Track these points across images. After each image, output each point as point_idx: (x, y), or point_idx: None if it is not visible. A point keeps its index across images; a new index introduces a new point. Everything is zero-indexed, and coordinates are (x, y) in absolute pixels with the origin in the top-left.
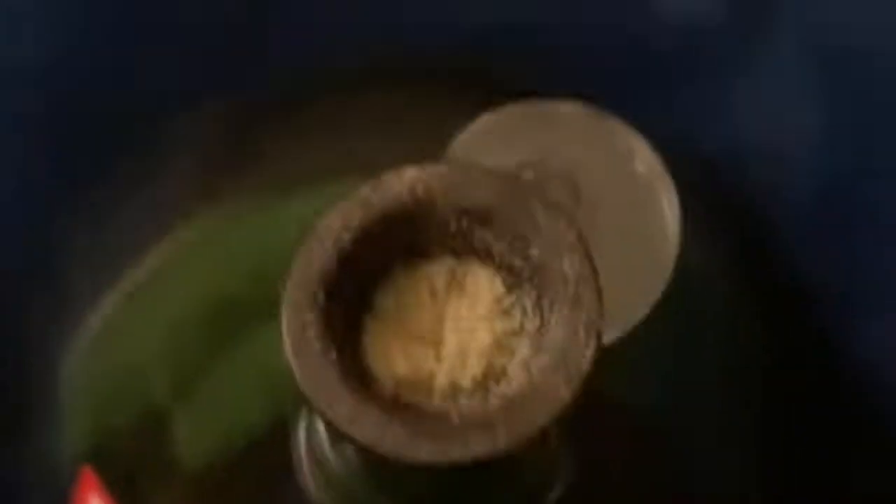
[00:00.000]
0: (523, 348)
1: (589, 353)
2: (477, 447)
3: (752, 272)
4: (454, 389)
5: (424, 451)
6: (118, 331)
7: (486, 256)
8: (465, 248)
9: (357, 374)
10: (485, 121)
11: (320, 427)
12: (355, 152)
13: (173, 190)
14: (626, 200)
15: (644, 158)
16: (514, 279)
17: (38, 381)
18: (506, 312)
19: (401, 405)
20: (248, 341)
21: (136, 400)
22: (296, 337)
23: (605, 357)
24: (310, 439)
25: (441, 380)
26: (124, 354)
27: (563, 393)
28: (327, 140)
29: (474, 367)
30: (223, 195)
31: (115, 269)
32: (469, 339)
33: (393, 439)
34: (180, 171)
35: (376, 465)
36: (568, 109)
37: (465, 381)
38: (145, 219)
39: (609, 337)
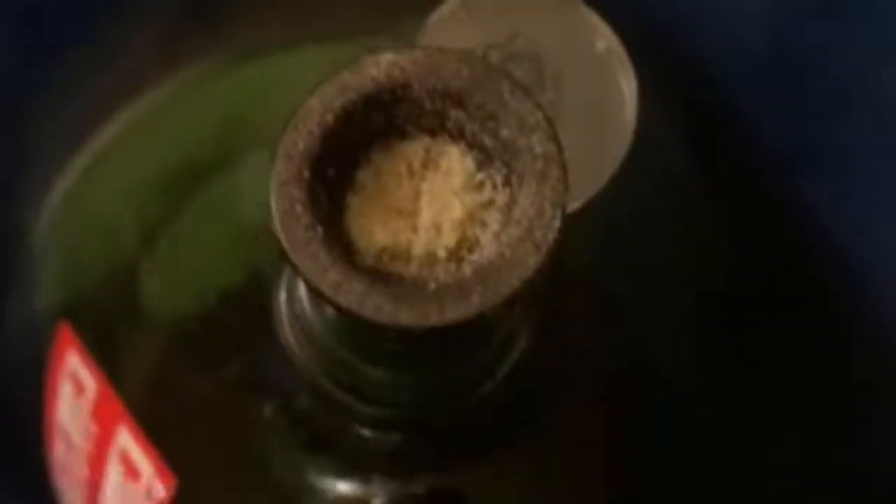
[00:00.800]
0: (494, 221)
1: (555, 224)
2: (452, 312)
3: (705, 141)
4: (430, 258)
5: (404, 316)
6: (87, 190)
7: (459, 136)
8: (439, 128)
9: (341, 245)
10: (452, 4)
11: (302, 291)
12: (314, 20)
13: (137, 57)
14: (586, 78)
15: (604, 37)
16: (485, 157)
17: (13, 241)
18: (477, 187)
19: (381, 274)
20: (212, 196)
21: (106, 254)
22: (284, 212)
23: (569, 228)
24: (290, 300)
25: (418, 249)
26: (93, 210)
27: (531, 261)
28: (288, 7)
29: (448, 238)
30: (185, 61)
31: (83, 133)
32: (443, 212)
33: (375, 305)
34: (143, 38)
35: (357, 328)
36: None
37: (441, 251)
38: (110, 85)
39: (571, 207)
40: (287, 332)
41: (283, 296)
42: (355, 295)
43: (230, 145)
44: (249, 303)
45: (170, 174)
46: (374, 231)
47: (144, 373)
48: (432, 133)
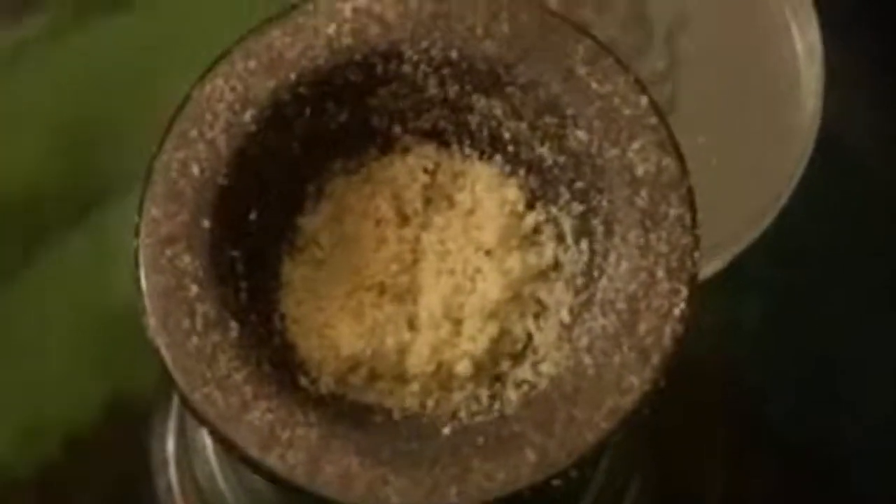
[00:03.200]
0: (561, 304)
1: (678, 308)
2: (487, 484)
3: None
4: (442, 377)
5: (393, 495)
6: None
7: (490, 143)
8: (452, 129)
9: (274, 359)
10: None
11: (205, 441)
12: None
13: None
14: (736, 41)
15: None
16: (541, 182)
17: None
18: (528, 240)
19: (349, 410)
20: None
21: None
22: (165, 297)
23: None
24: (184, 455)
25: (417, 361)
26: None
27: (633, 381)
28: None
29: (476, 339)
30: (45, 8)
31: None
32: (465, 290)
33: (337, 475)
34: None
35: None
36: None
37: (462, 363)
38: None
39: (710, 269)
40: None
41: (169, 446)
42: (303, 455)
43: (92, 105)
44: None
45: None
46: (334, 327)
47: None
48: (440, 138)
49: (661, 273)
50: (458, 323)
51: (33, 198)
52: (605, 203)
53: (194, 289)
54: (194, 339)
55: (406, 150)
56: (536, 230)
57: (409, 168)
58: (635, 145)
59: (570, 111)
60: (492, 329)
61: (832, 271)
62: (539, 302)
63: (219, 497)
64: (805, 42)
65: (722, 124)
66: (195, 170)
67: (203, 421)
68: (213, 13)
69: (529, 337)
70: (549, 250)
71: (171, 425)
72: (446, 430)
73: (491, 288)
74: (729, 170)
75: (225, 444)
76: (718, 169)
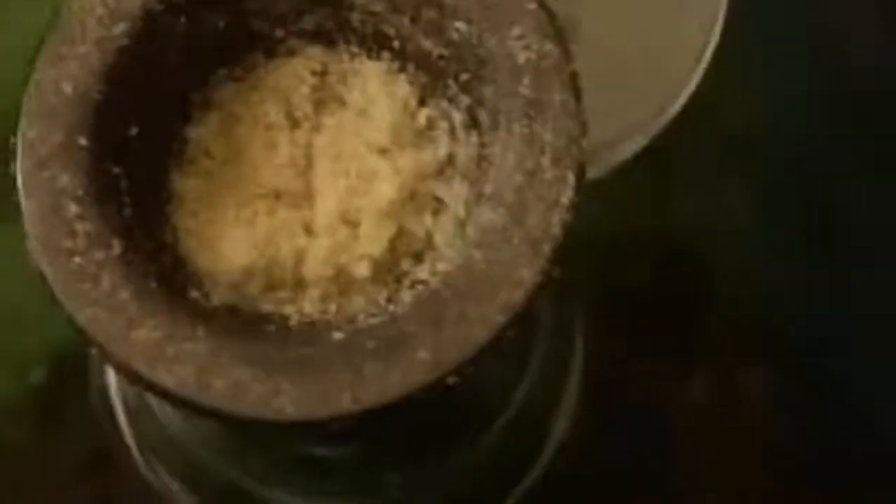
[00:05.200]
0: (458, 200)
1: (566, 196)
2: (380, 388)
3: None
4: (341, 282)
5: (287, 404)
6: None
7: (375, 40)
8: (336, 29)
9: (163, 274)
10: None
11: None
12: None
13: None
14: None
15: None
16: (430, 77)
17: None
18: (422, 137)
19: (244, 321)
20: None
21: None
22: (44, 219)
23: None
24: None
25: (315, 266)
26: None
27: (524, 273)
28: None
29: (374, 240)
30: None
31: None
32: (361, 192)
33: (227, 387)
34: None
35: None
36: None
37: (361, 265)
38: None
39: (598, 170)
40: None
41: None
42: (192, 370)
43: None
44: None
45: None
46: (227, 237)
47: None
48: (327, 36)
49: (546, 162)
50: (355, 225)
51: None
52: (489, 94)
53: (73, 208)
54: (76, 259)
55: (292, 53)
56: (430, 126)
57: (297, 71)
58: (515, 32)
59: (448, 1)
60: (389, 229)
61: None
62: (437, 199)
63: (165, 430)
64: None
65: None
66: (68, 87)
67: (90, 341)
68: None
69: (429, 235)
70: (443, 146)
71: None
72: (338, 335)
73: (386, 187)
74: (640, 48)
75: (113, 363)
76: (629, 48)
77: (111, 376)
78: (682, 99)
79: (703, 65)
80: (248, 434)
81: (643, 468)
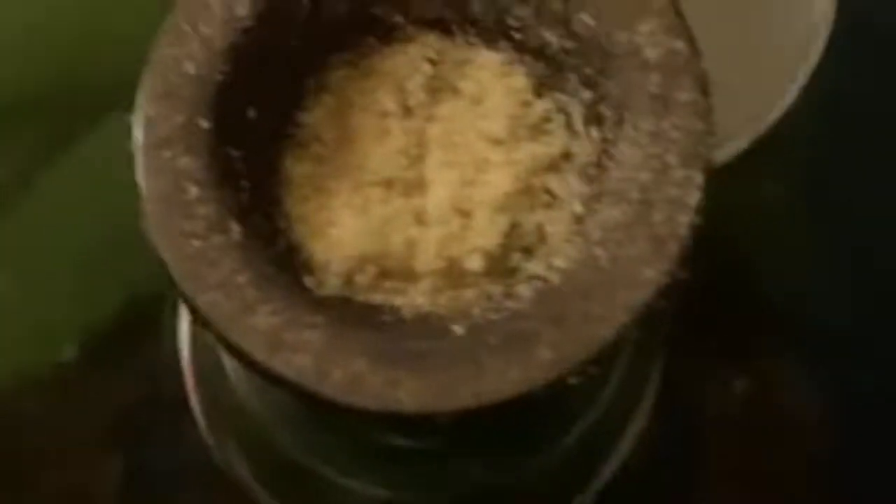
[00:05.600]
0: (573, 195)
1: (693, 197)
2: (501, 384)
3: None
4: (452, 274)
5: (405, 397)
6: None
7: (495, 30)
8: (455, 17)
9: (279, 260)
10: None
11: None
12: None
13: None
14: None
15: None
16: (549, 69)
17: None
18: (537, 129)
19: (357, 311)
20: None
21: None
22: (164, 200)
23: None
24: (197, 357)
25: (426, 257)
26: None
27: (648, 273)
28: None
29: (487, 232)
30: None
31: None
32: (474, 183)
33: (346, 378)
34: None
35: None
36: None
37: (472, 258)
38: None
39: (724, 154)
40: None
41: (184, 351)
42: (311, 358)
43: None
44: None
45: None
46: (339, 226)
47: None
48: (442, 24)
49: (673, 160)
50: (467, 216)
51: (49, 98)
52: (614, 89)
53: (194, 191)
54: (195, 243)
55: (408, 41)
56: (545, 119)
57: (412, 58)
58: (644, 29)
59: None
60: (502, 222)
61: (858, 151)
62: (550, 193)
63: (237, 401)
64: None
65: (739, 4)
66: (190, 67)
67: (207, 325)
68: None
69: (541, 230)
70: (559, 140)
71: (184, 328)
72: (458, 329)
73: (500, 179)
74: (746, 51)
75: (230, 348)
76: (736, 50)
77: (184, 340)
78: (786, 102)
79: (806, 72)
80: (333, 421)
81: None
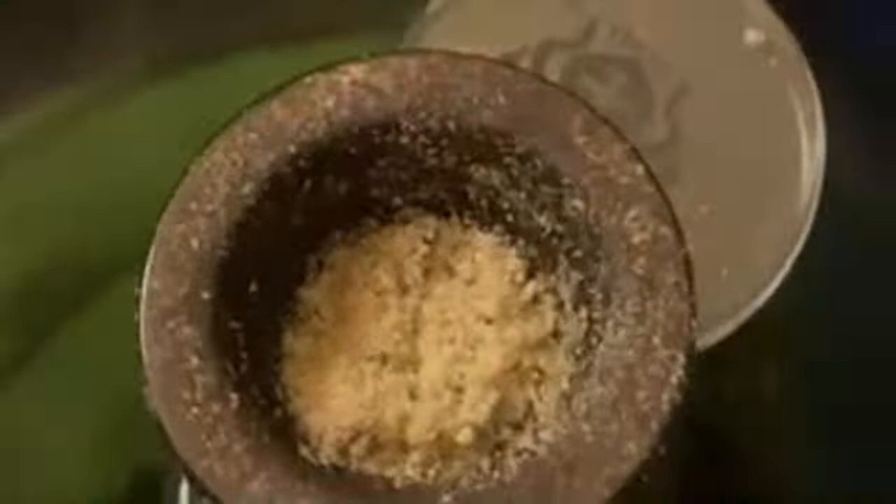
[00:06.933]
0: (561, 372)
1: (676, 375)
2: None
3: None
4: (443, 446)
5: None
6: None
7: (489, 212)
8: (451, 199)
9: (275, 429)
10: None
11: None
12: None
13: None
14: (730, 100)
15: (760, 23)
16: (540, 251)
17: None
18: (528, 309)
19: (350, 480)
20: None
21: None
22: (165, 369)
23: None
24: None
25: (418, 431)
26: None
27: (631, 448)
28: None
29: (477, 408)
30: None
31: None
32: (466, 360)
33: None
34: None
35: None
36: None
37: (463, 432)
38: None
39: (706, 340)
40: None
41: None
42: None
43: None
44: None
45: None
46: (334, 398)
47: None
48: (439, 209)
49: (657, 340)
50: (459, 392)
51: (47, 272)
52: (603, 271)
53: (195, 360)
54: (194, 410)
55: (406, 221)
56: (536, 299)
57: (410, 238)
58: (632, 213)
59: (566, 180)
60: (492, 398)
61: (847, 326)
62: (539, 370)
63: None
64: (805, 111)
65: (724, 193)
66: (195, 243)
67: (204, 492)
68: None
69: (530, 405)
70: (550, 319)
71: (183, 495)
72: (447, 499)
73: (492, 357)
74: (733, 236)
75: None
76: (723, 236)
77: None
78: (770, 290)
79: (791, 259)
80: None
81: None
